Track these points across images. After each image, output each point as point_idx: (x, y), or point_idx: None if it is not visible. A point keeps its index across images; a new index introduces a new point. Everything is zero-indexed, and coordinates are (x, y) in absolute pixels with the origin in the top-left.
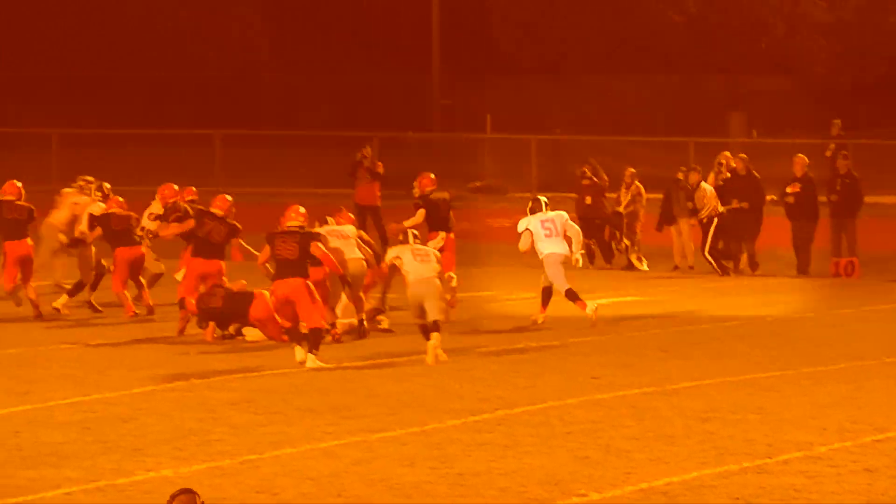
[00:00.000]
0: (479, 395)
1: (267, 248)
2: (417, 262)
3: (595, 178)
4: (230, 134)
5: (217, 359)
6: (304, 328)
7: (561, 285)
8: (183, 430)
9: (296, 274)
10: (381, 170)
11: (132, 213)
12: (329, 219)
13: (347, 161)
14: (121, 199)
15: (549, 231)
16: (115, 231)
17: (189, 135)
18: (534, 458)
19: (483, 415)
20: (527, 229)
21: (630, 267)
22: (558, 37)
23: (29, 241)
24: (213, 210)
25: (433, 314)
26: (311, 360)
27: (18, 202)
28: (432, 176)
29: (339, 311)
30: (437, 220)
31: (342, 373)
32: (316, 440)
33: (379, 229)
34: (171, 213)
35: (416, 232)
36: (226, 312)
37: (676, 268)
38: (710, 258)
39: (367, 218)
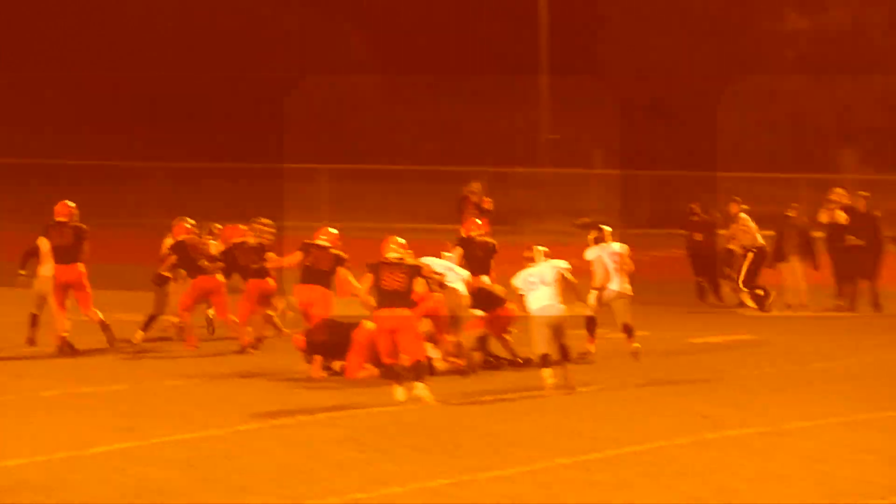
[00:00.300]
0: (588, 434)
1: (369, 278)
2: (532, 288)
3: (705, 215)
4: (336, 168)
5: (323, 395)
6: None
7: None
8: (289, 469)
9: (403, 305)
10: (488, 205)
11: (208, 242)
12: (445, 254)
13: (454, 196)
14: (189, 224)
15: (616, 265)
16: (193, 259)
17: (295, 169)
18: (644, 498)
19: (593, 454)
20: (599, 257)
21: (741, 305)
22: (667, 71)
23: (80, 266)
24: (318, 242)
25: (560, 341)
26: (422, 388)
27: (71, 224)
28: (479, 222)
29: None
30: (473, 263)
31: (450, 410)
32: (424, 479)
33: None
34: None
35: (544, 248)
36: (330, 345)
37: (789, 306)
38: (746, 289)
39: None
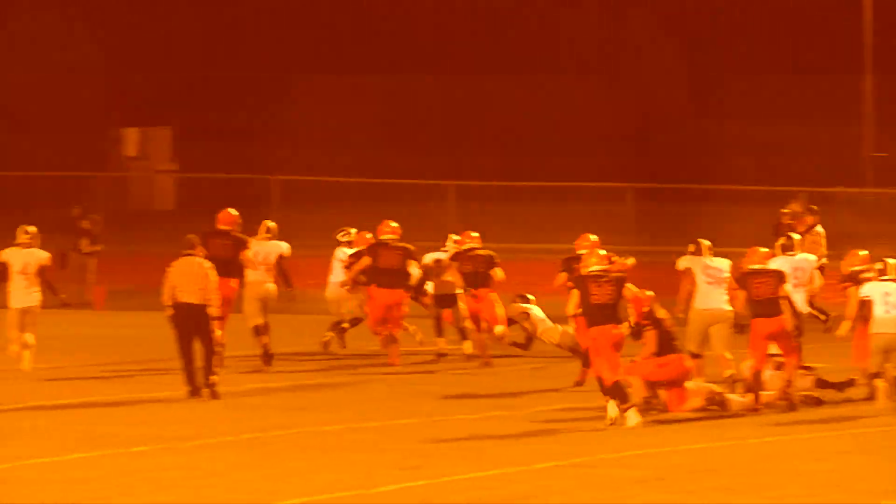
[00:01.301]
0: None
1: (577, 293)
2: (886, 307)
3: None
4: (642, 187)
5: (625, 432)
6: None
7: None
8: None
9: (612, 321)
10: (804, 229)
11: (407, 247)
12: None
13: (771, 219)
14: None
15: (710, 279)
16: (380, 269)
17: (597, 188)
18: None
19: None
20: (688, 269)
21: None
22: None
23: (233, 282)
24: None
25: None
26: (628, 413)
27: (233, 234)
28: (474, 234)
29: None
30: (468, 278)
31: (760, 448)
32: None
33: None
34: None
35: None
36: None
37: None
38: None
39: None
